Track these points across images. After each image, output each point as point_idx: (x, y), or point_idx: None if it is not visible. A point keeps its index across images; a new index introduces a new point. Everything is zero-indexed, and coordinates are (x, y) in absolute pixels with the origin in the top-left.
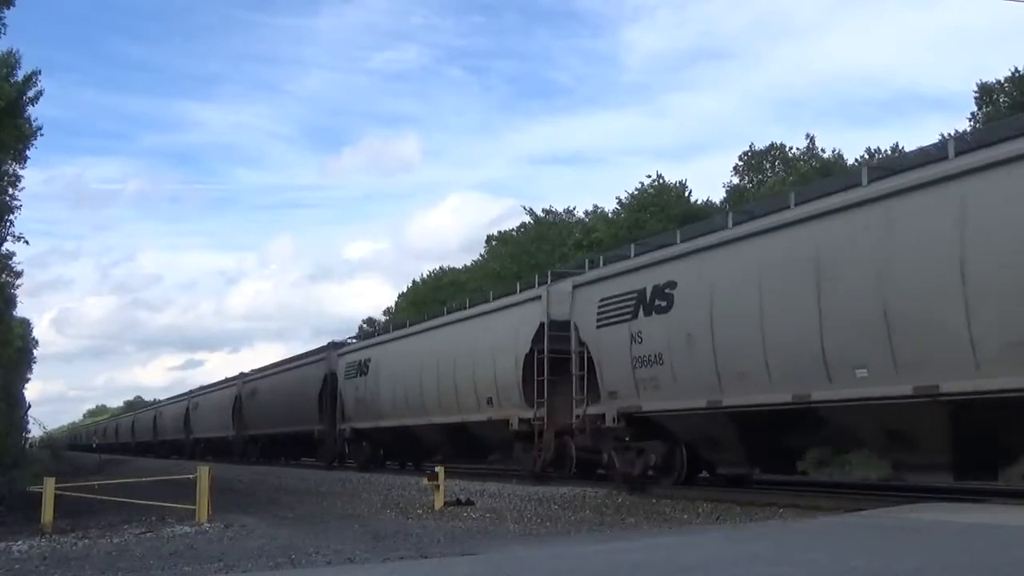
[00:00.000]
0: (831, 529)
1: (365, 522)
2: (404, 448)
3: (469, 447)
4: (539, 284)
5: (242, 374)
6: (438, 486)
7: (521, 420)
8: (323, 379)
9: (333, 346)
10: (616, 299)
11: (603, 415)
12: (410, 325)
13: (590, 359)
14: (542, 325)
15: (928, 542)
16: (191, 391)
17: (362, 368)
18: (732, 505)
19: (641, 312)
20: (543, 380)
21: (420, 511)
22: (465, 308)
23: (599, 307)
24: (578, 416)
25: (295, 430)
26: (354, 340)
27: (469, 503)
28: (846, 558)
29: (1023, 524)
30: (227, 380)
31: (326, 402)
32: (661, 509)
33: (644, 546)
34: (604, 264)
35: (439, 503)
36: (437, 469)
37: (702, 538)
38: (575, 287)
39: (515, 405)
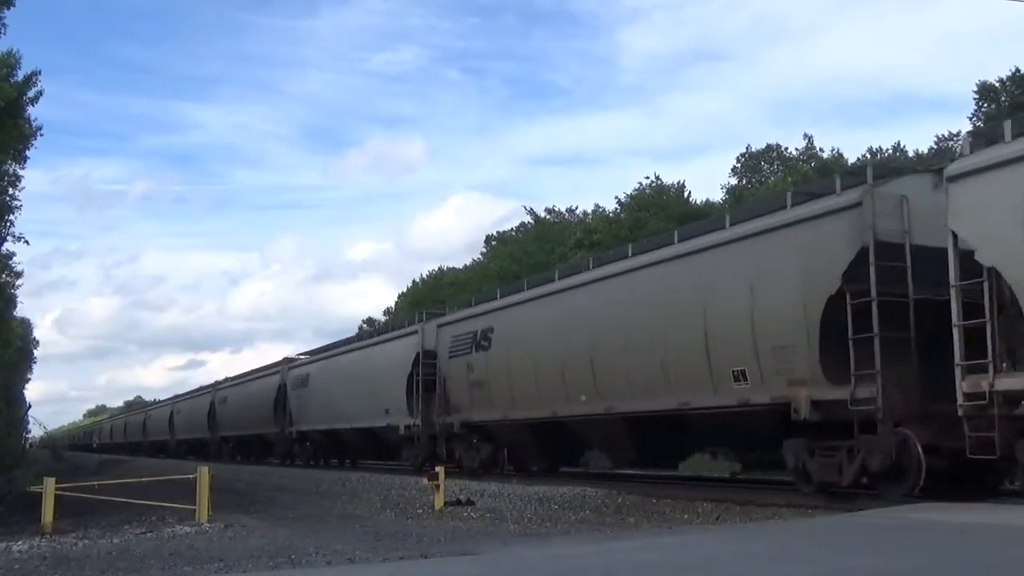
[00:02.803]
0: (831, 529)
1: (365, 522)
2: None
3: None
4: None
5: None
6: (438, 486)
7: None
8: (413, 360)
9: (430, 315)
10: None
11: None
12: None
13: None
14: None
15: (928, 542)
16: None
17: (479, 341)
18: (732, 505)
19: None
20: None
21: (420, 511)
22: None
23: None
24: (971, 395)
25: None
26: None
27: (469, 503)
28: (846, 558)
29: (1023, 524)
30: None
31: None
32: (661, 509)
33: (644, 546)
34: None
35: (439, 503)
36: (437, 469)
37: (702, 538)
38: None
39: (801, 380)
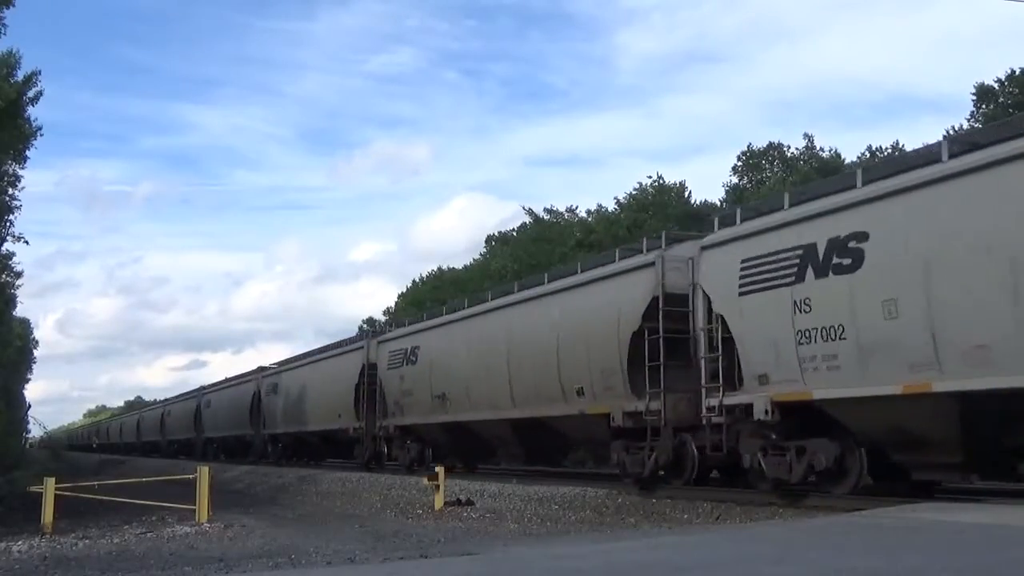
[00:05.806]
0: (831, 529)
1: (365, 522)
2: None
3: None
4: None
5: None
6: (438, 486)
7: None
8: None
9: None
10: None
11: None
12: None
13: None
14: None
15: (928, 542)
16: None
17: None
18: (732, 505)
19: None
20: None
21: (420, 511)
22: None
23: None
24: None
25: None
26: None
27: (469, 503)
28: (846, 558)
29: (1023, 524)
30: None
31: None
32: (661, 509)
33: (644, 546)
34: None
35: (439, 503)
36: (437, 469)
37: (702, 538)
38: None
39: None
